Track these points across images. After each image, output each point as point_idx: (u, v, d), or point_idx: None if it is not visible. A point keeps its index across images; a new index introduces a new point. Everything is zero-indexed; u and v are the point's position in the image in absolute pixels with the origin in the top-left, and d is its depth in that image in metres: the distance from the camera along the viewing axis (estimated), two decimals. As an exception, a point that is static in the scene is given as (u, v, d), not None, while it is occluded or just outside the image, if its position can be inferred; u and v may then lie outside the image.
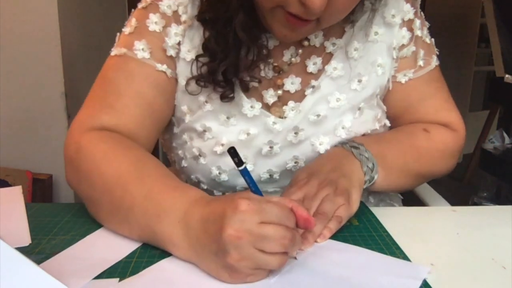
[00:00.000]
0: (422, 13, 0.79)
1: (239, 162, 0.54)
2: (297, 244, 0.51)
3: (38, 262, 0.52)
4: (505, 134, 2.29)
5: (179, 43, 0.71)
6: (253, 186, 0.55)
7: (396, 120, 0.81)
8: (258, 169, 0.74)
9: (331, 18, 0.63)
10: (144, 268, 0.52)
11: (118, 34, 0.74)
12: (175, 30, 0.70)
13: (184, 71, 0.71)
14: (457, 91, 3.17)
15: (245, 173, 0.54)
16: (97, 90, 0.71)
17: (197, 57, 0.69)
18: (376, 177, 0.68)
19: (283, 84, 0.73)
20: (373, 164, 0.68)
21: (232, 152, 0.54)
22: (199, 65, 0.69)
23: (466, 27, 3.24)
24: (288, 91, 0.73)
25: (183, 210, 0.53)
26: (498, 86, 2.67)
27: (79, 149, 0.64)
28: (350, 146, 0.69)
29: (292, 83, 0.73)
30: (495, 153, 2.22)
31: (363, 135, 0.75)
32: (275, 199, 0.51)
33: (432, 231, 0.64)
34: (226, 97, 0.69)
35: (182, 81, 0.72)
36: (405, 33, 0.75)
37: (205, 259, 0.50)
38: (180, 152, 0.77)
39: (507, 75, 2.26)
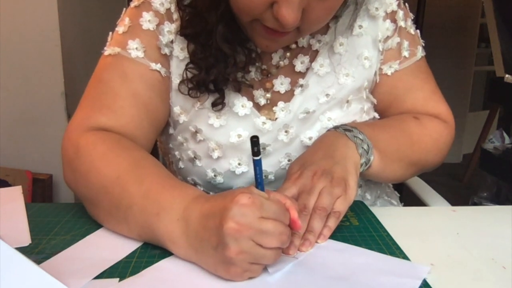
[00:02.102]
0: (406, 4, 0.79)
1: (257, 151, 0.54)
2: (290, 241, 0.52)
3: (38, 262, 0.52)
4: (505, 134, 2.29)
5: (172, 41, 0.71)
6: (260, 178, 0.55)
7: (385, 112, 0.81)
8: (253, 170, 0.74)
9: (310, 27, 0.63)
10: (144, 268, 0.52)
11: (110, 33, 0.73)
12: (168, 28, 0.70)
13: (177, 70, 0.71)
14: (457, 91, 3.17)
15: (258, 164, 0.54)
16: (92, 91, 0.71)
17: (187, 66, 0.69)
18: (372, 158, 0.67)
19: (272, 86, 0.73)
20: (368, 146, 0.66)
21: (255, 141, 0.53)
22: (189, 75, 0.69)
23: (466, 27, 3.24)
24: (278, 92, 0.73)
25: (182, 208, 0.53)
26: (498, 86, 2.67)
27: (77, 151, 0.64)
28: (343, 129, 0.68)
29: (281, 84, 0.73)
30: (495, 153, 2.22)
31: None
32: (272, 195, 0.52)
33: (432, 231, 0.63)
34: (217, 105, 0.70)
35: (175, 80, 0.71)
36: (388, 25, 0.75)
37: (203, 255, 0.50)
38: (176, 153, 0.77)
39: (507, 75, 2.26)
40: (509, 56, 2.26)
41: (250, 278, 0.50)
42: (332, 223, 0.59)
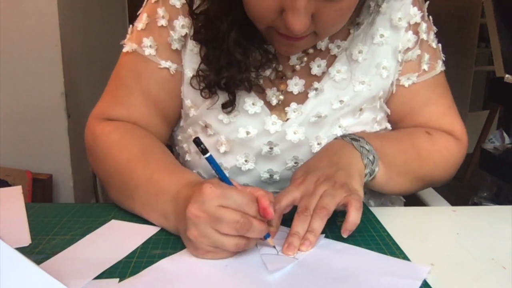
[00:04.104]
0: (430, 17, 0.77)
1: (203, 150, 0.56)
2: (255, 231, 0.52)
3: (38, 262, 0.52)
4: (505, 134, 2.29)
5: (185, 35, 0.72)
6: (220, 174, 0.57)
7: (398, 124, 0.80)
8: (259, 168, 0.74)
9: (326, 31, 0.63)
10: (144, 268, 0.52)
11: (130, 26, 0.77)
12: (182, 22, 0.71)
13: (191, 63, 0.72)
14: (457, 91, 3.16)
15: (211, 162, 0.57)
16: (111, 86, 0.78)
17: (200, 67, 0.70)
18: (377, 170, 0.67)
19: (286, 87, 0.73)
20: (373, 157, 0.66)
21: (197, 141, 0.57)
22: (200, 74, 0.70)
23: (466, 27, 3.24)
24: (291, 93, 0.73)
25: (175, 190, 0.59)
26: (498, 86, 2.67)
27: (95, 138, 0.73)
28: (350, 139, 0.68)
29: (295, 84, 0.73)
30: (495, 153, 2.22)
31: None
32: (241, 187, 0.56)
33: (432, 231, 0.64)
34: (227, 107, 0.70)
35: (188, 73, 0.72)
36: (410, 36, 0.74)
37: (181, 233, 0.56)
38: (185, 145, 0.79)
39: (507, 75, 2.26)
40: (509, 56, 2.26)
41: (219, 258, 0.54)
42: (355, 215, 0.57)
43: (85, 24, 2.08)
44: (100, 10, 2.24)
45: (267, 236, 0.55)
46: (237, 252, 0.54)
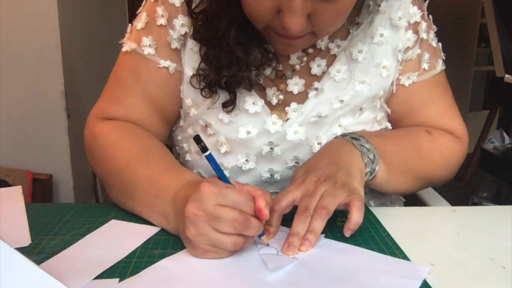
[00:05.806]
0: (429, 16, 0.77)
1: (203, 148, 0.56)
2: (253, 229, 0.53)
3: (38, 262, 0.52)
4: (505, 134, 2.29)
5: (185, 34, 0.72)
6: (218, 172, 0.57)
7: (398, 123, 0.80)
8: (260, 168, 0.74)
9: (324, 31, 0.63)
10: (144, 268, 0.52)
11: (129, 25, 0.77)
12: (182, 21, 0.71)
13: (191, 62, 0.72)
14: (457, 91, 3.16)
15: (210, 160, 0.57)
16: (110, 85, 0.78)
17: (200, 66, 0.70)
18: (377, 168, 0.67)
19: (286, 87, 0.73)
20: (374, 156, 0.66)
21: (197, 138, 0.56)
22: (201, 73, 0.70)
23: (466, 27, 3.24)
24: (290, 92, 0.73)
25: (175, 190, 0.59)
26: (498, 86, 2.67)
27: (94, 139, 0.73)
28: (350, 137, 0.68)
29: (295, 84, 0.73)
30: (495, 153, 2.23)
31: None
32: (239, 186, 0.56)
33: (432, 231, 0.64)
34: (227, 106, 0.70)
35: (188, 72, 0.72)
36: (410, 35, 0.74)
37: (180, 232, 0.56)
38: (185, 145, 0.79)
39: (507, 75, 2.26)
40: (509, 56, 2.27)
41: (219, 258, 0.54)
42: (357, 215, 0.57)
43: (85, 24, 2.08)
44: (100, 10, 2.24)
45: (261, 234, 0.56)
46: (235, 252, 0.55)
